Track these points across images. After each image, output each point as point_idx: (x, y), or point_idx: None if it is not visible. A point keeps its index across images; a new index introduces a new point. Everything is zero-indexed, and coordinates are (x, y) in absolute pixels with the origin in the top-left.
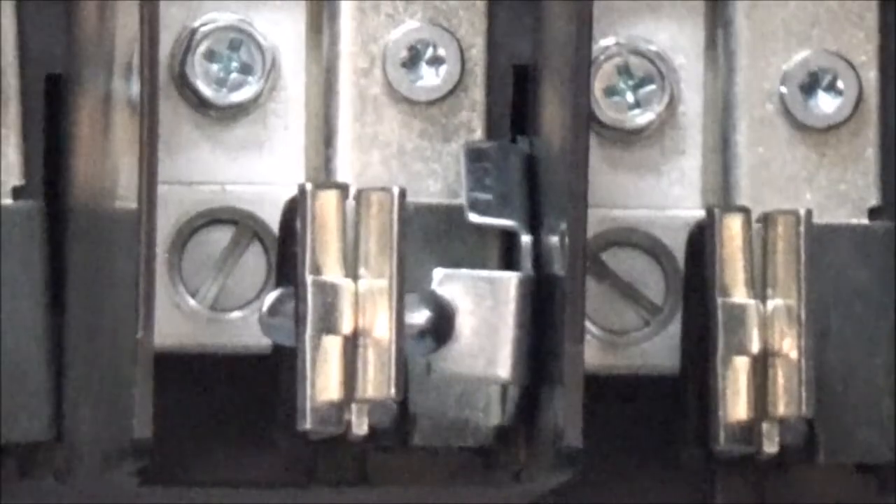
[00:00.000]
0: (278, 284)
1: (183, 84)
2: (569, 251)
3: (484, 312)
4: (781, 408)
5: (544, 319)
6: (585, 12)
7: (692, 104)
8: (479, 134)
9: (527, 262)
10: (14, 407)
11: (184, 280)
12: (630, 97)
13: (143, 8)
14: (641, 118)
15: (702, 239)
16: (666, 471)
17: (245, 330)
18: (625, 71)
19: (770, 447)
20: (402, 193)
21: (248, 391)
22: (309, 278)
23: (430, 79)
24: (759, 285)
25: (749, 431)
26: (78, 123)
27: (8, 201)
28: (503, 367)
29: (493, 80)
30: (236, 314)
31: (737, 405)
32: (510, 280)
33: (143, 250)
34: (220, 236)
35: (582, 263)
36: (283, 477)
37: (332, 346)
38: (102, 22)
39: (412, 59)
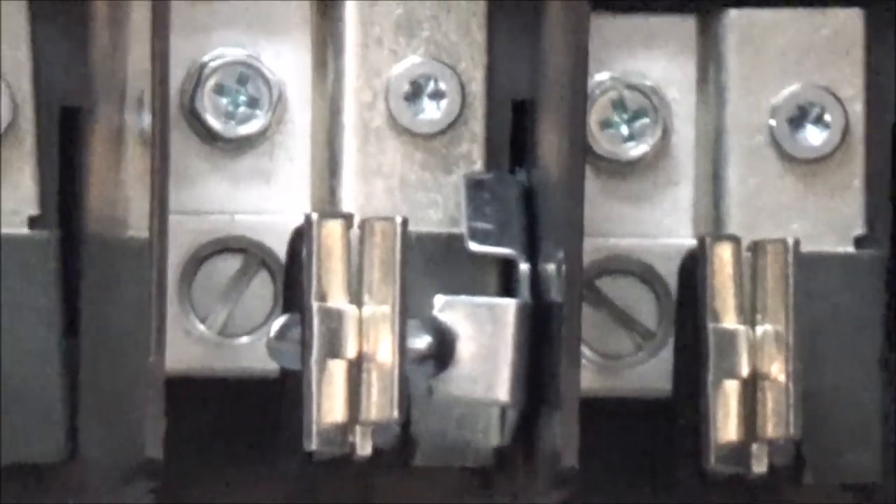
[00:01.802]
0: (285, 310)
1: (193, 117)
2: (565, 279)
3: (483, 338)
4: (770, 429)
5: (542, 344)
6: (582, 48)
7: (684, 136)
8: (478, 165)
9: (525, 289)
10: (28, 428)
11: (194, 306)
12: (624, 130)
13: (154, 43)
14: (635, 150)
15: (693, 267)
16: (659, 491)
17: (253, 354)
18: (619, 104)
19: (759, 468)
20: (405, 222)
21: (255, 414)
22: (315, 305)
23: (432, 112)
24: (749, 311)
25: (739, 452)
26: (92, 155)
27: (24, 230)
28: (502, 391)
29: (493, 113)
30: (244, 339)
31: (727, 427)
32: (509, 306)
33: (155, 278)
34: (229, 264)
35: (578, 290)
36: (289, 497)
37: (337, 370)
38: (115, 56)
39: (414, 93)
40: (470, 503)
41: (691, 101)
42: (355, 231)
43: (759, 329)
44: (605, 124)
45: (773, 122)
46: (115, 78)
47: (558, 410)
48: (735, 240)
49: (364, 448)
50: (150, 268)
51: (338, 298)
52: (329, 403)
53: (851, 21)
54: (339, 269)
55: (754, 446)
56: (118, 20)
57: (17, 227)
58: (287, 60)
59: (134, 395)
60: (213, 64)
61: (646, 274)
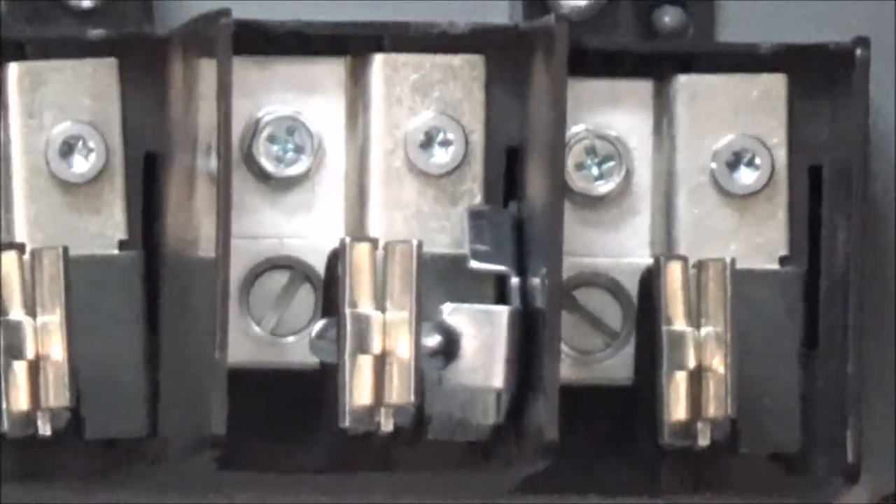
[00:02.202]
0: (324, 315)
1: (250, 161)
2: (548, 290)
3: (482, 337)
4: (712, 410)
5: (529, 342)
6: (561, 105)
7: (643, 176)
8: (478, 199)
9: (515, 298)
10: (118, 410)
11: (250, 312)
12: (595, 171)
13: (219, 102)
14: (604, 187)
15: (650, 280)
16: (623, 459)
17: (298, 351)
18: (591, 151)
19: (703, 441)
20: (420, 245)
21: (299, 398)
22: (347, 311)
23: (441, 157)
24: (695, 316)
25: (687, 429)
26: (169, 190)
27: (115, 251)
28: (497, 379)
29: (490, 158)
30: (291, 339)
31: (677, 408)
32: (503, 312)
33: (220, 289)
34: (279, 278)
35: (558, 299)
36: (326, 464)
37: (365, 363)
38: (188, 111)
39: (427, 142)
40: (472, 469)
41: (648, 148)
42: (380, 252)
43: (703, 330)
44: (580, 167)
45: (714, 165)
46: (188, 129)
47: (542, 395)
48: (683, 259)
49: (387, 425)
50: (216, 281)
51: (366, 306)
52: (359, 390)
53: (777, 84)
54: (367, 282)
55: (699, 424)
56: (190, 82)
57: (109, 249)
58: (325, 115)
59: (202, 383)
60: (266, 118)
61: (612, 286)
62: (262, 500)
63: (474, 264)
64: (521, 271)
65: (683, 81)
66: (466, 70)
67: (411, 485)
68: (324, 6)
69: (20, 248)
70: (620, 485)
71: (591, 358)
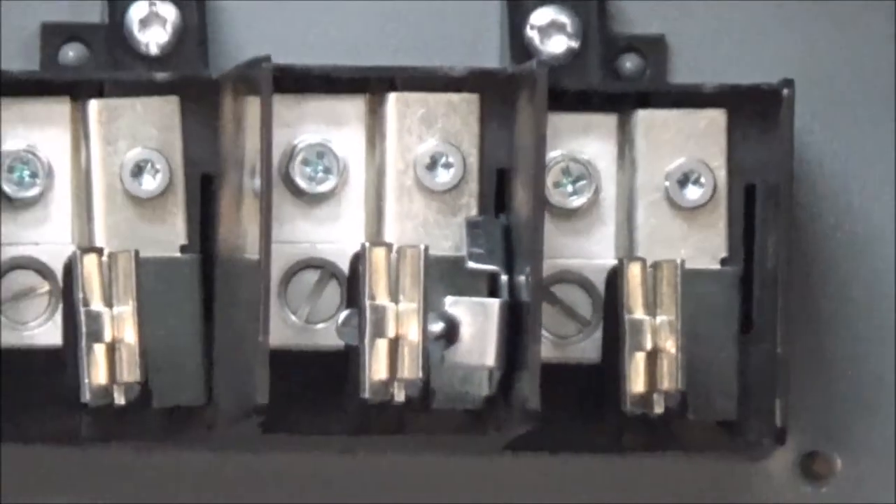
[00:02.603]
0: (348, 306)
1: (287, 180)
2: (531, 286)
3: (477, 324)
4: (665, 384)
5: (516, 328)
6: (541, 134)
7: (609, 192)
8: (474, 212)
9: (505, 292)
10: (180, 383)
11: (287, 304)
12: (570, 188)
13: (262, 132)
14: (577, 202)
15: (615, 278)
16: (592, 424)
17: (327, 336)
18: (566, 172)
19: (658, 409)
20: (426, 249)
21: (328, 374)
22: (367, 303)
23: (444, 177)
24: (651, 307)
25: (645, 399)
26: (221, 204)
27: (177, 254)
28: (490, 359)
29: (484, 177)
30: (321, 325)
31: (637, 383)
32: (494, 304)
33: (263, 285)
34: (311, 276)
35: (539, 293)
36: (350, 429)
37: (382, 346)
38: (236, 139)
39: (432, 164)
40: (469, 432)
41: (613, 170)
42: (394, 255)
43: (658, 319)
44: (557, 184)
45: (666, 183)
46: (237, 154)
47: (526, 372)
48: (642, 260)
49: (399, 396)
50: (260, 278)
51: (382, 298)
52: (376, 367)
53: (718, 117)
54: (383, 279)
55: (654, 395)
56: (238, 115)
57: (172, 252)
58: (349, 143)
59: (249, 361)
60: (300, 145)
61: (583, 283)
62: (297, 459)
63: (471, 265)
64: (509, 270)
65: (641, 115)
66: (464, 106)
67: (419, 445)
68: (347, 52)
69: (99, 251)
70: (590, 445)
71: (566, 341)
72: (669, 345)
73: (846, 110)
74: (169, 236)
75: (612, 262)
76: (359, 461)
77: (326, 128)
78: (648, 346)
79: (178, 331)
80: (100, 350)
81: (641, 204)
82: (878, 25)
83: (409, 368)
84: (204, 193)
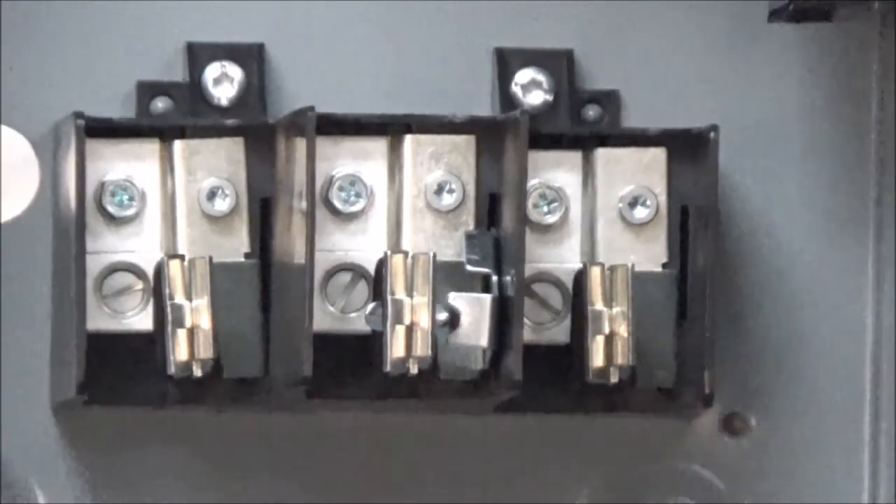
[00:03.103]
0: (374, 299)
1: (327, 202)
2: (515, 284)
3: (474, 314)
4: (619, 360)
5: (503, 317)
6: (524, 168)
7: (575, 212)
8: (471, 227)
9: (495, 289)
10: (243, 358)
11: (327, 298)
12: (545, 209)
13: (308, 165)
14: (551, 219)
15: (581, 278)
16: (562, 391)
17: (358, 323)
18: (542, 196)
19: (614, 379)
20: (434, 256)
21: (358, 352)
22: (389, 297)
23: (448, 200)
24: (609, 301)
25: (604, 372)
26: (276, 221)
27: (241, 260)
28: (483, 340)
29: (479, 201)
30: (353, 314)
31: (597, 359)
32: (487, 298)
33: (307, 283)
34: (345, 277)
35: (521, 290)
36: (375, 395)
37: (400, 330)
38: (288, 171)
39: (439, 190)
40: (467, 397)
41: (578, 195)
42: (409, 260)
43: (614, 310)
44: (535, 206)
45: (620, 205)
46: (288, 182)
47: (511, 351)
48: (601, 265)
49: (413, 369)
50: (305, 278)
51: (400, 294)
52: (396, 347)
53: (660, 154)
54: (401, 279)
55: (611, 369)
56: (289, 152)
57: (238, 258)
58: (374, 174)
59: (297, 342)
60: (337, 175)
61: (556, 282)
62: (333, 418)
63: (469, 268)
64: (499, 272)
65: (600, 152)
66: (464, 145)
67: (428, 407)
68: (373, 102)
69: (182, 257)
70: (560, 407)
71: (542, 327)
72: (622, 330)
73: (762, 146)
74: (235, 246)
75: (577, 265)
76: (382, 420)
77: (357, 162)
78: (606, 330)
79: (242, 318)
80: (182, 334)
81: (600, 221)
82: (788, 78)
83: (421, 348)
84: (262, 213)
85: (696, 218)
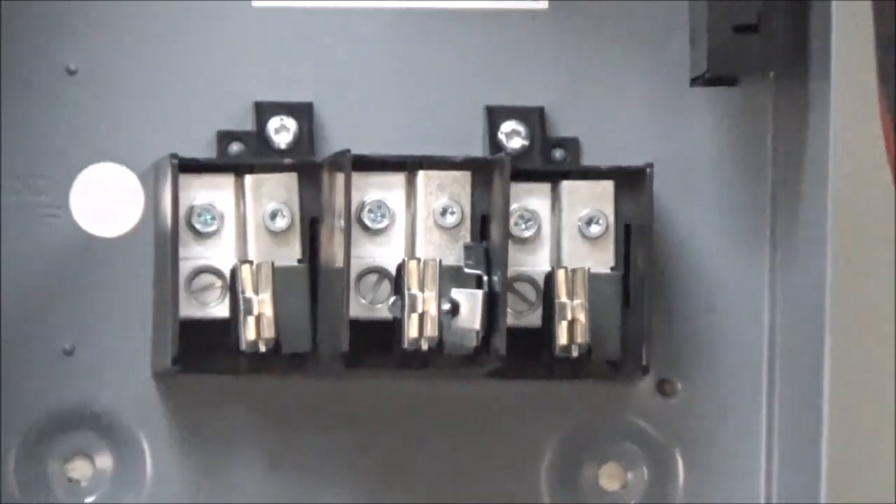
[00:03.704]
0: (395, 294)
1: (359, 221)
2: (500, 282)
3: (470, 305)
4: (578, 339)
5: (492, 307)
6: (506, 196)
7: (546, 229)
8: (468, 239)
9: (486, 286)
10: (297, 338)
11: (360, 292)
12: (523, 226)
13: (346, 194)
14: (527, 234)
15: (550, 277)
16: (536, 363)
17: (383, 311)
18: (521, 217)
19: (574, 353)
20: (440, 261)
21: (383, 334)
22: (406, 292)
23: (449, 220)
24: (571, 294)
25: (567, 348)
26: (321, 235)
27: (295, 264)
28: (477, 324)
29: (474, 220)
30: (379, 305)
31: (562, 338)
32: (479, 293)
33: (345, 282)
34: (373, 277)
35: (505, 287)
36: (396, 365)
37: (415, 318)
38: (330, 197)
39: (443, 213)
40: (464, 367)
41: (548, 216)
42: (422, 265)
43: (574, 301)
44: (516, 224)
45: (579, 224)
46: (331, 206)
47: (498, 332)
48: (565, 268)
49: (424, 347)
50: (344, 278)
51: (415, 290)
52: (411, 330)
53: (608, 186)
54: (415, 278)
55: (572, 346)
56: (331, 184)
57: (293, 262)
58: (395, 200)
59: (338, 325)
60: (367, 201)
61: (532, 281)
62: (366, 384)
63: (466, 271)
64: (488, 274)
65: (565, 184)
66: (462, 179)
67: (435, 375)
68: (393, 146)
69: (251, 262)
70: (534, 374)
71: (521, 315)
72: (581, 316)
73: (685, 180)
74: (291, 254)
75: (547, 269)
76: (400, 384)
77: (382, 191)
78: (569, 317)
79: (295, 308)
80: (251, 320)
81: (564, 235)
82: (705, 128)
83: (430, 331)
84: (311, 229)
85: (635, 233)
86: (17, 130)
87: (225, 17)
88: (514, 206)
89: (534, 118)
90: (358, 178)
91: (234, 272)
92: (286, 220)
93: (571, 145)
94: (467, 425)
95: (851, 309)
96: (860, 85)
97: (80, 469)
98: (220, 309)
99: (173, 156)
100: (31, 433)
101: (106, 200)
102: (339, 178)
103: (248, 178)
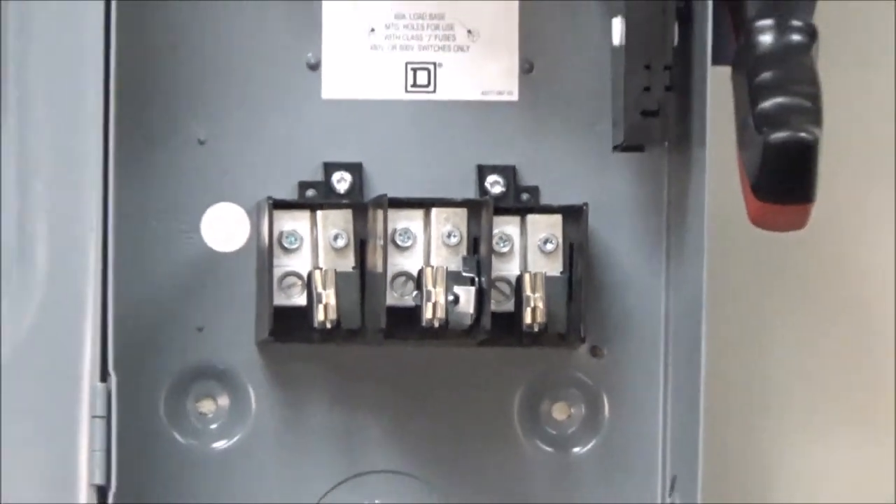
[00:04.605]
0: (417, 289)
1: (392, 242)
2: (486, 282)
3: (467, 297)
4: (539, 319)
5: (481, 298)
6: (490, 226)
7: (517, 247)
8: (465, 253)
9: (477, 284)
10: (351, 317)
11: (393, 289)
12: (502, 245)
13: (384, 224)
14: (504, 250)
15: (520, 279)
16: (510, 336)
17: (408, 301)
18: (500, 239)
19: (536, 329)
20: (446, 268)
21: (409, 316)
22: (424, 289)
23: (453, 240)
24: (533, 289)
25: (530, 326)
26: (367, 250)
27: (350, 270)
28: (471, 309)
29: (469, 241)
30: (407, 297)
31: (527, 318)
32: (472, 289)
33: (383, 282)
34: (403, 279)
35: (489, 285)
36: (417, 336)
37: (430, 305)
38: (374, 227)
39: (448, 236)
40: (461, 339)
41: (518, 239)
42: (435, 270)
43: (535, 294)
44: (496, 244)
45: (539, 243)
46: (374, 231)
47: (484, 314)
48: (530, 272)
49: (436, 324)
50: (383, 280)
51: (430, 287)
52: (428, 313)
53: (558, 219)
54: (430, 279)
55: (534, 324)
56: (374, 215)
57: (348, 269)
58: (416, 227)
59: (377, 310)
60: (398, 228)
61: (507, 281)
62: (398, 350)
63: (464, 274)
64: (479, 276)
65: (529, 217)
66: (461, 213)
67: (443, 343)
68: (416, 190)
69: (321, 269)
70: (510, 343)
71: (500, 303)
72: (541, 305)
73: (609, 215)
74: (347, 263)
75: (517, 273)
76: (421, 351)
77: (408, 221)
78: (532, 305)
79: (350, 299)
80: (321, 307)
81: (529, 251)
82: (623, 181)
83: (440, 314)
84: (361, 247)
85: (576, 250)
86: (166, 179)
87: (304, 104)
88: (495, 231)
89: (509, 173)
90: (391, 213)
91: (309, 275)
92: (344, 241)
93: (534, 191)
94: (464, 377)
95: (718, 296)
96: (725, 150)
97: (206, 406)
98: (300, 299)
99: (269, 198)
100: (175, 383)
101: (225, 227)
102: (380, 212)
103: (319, 213)
